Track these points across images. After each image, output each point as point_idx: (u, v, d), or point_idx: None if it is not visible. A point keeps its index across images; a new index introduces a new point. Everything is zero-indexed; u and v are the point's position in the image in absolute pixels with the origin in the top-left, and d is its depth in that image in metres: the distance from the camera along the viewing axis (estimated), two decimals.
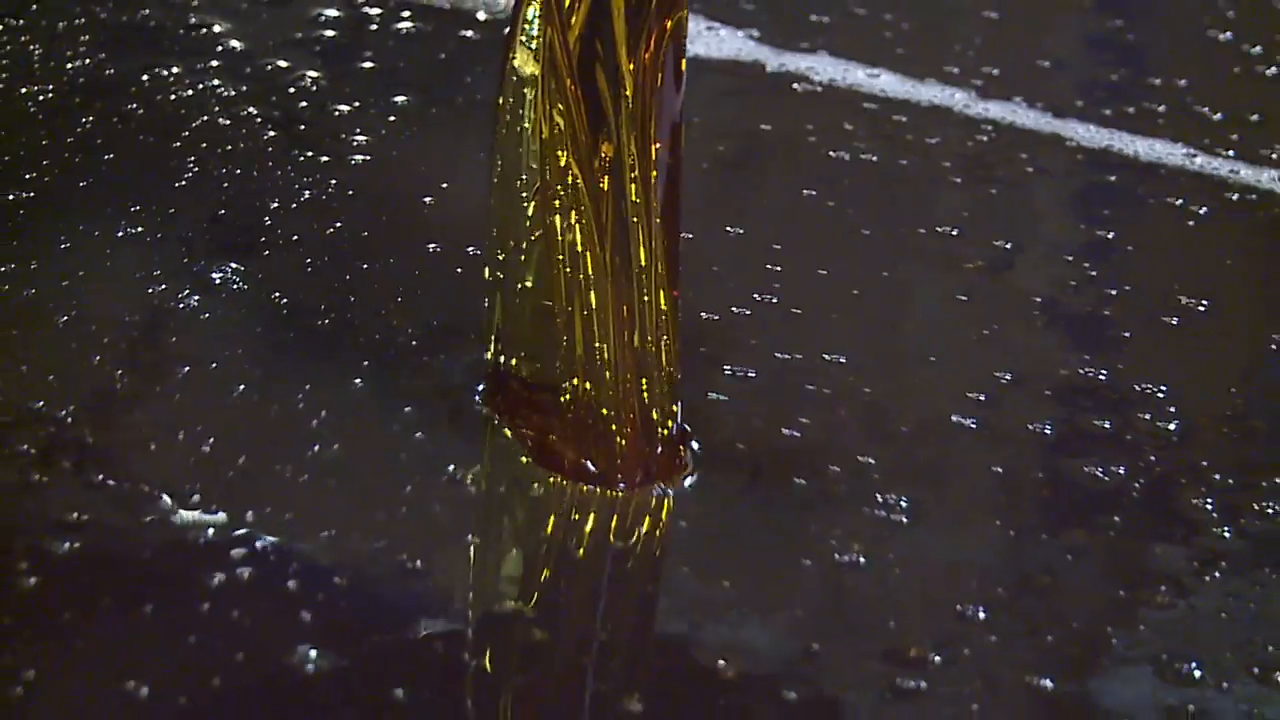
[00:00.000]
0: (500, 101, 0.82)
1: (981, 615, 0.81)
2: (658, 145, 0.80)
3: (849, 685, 0.77)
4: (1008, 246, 1.08)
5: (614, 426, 0.83)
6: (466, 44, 1.22)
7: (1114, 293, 1.05)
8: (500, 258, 0.85)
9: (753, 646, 0.78)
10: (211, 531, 0.78)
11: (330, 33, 1.18)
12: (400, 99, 1.12)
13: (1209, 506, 0.88)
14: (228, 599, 0.75)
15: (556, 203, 0.81)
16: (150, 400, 0.86)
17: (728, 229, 1.01)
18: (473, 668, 0.75)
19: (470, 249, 0.96)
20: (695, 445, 0.86)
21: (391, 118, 1.09)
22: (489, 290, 0.85)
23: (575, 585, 0.82)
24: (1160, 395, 0.96)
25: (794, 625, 0.80)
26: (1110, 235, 1.12)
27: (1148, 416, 0.94)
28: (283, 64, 1.14)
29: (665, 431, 0.85)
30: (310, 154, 1.04)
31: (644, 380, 0.84)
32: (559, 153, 0.80)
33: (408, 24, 1.22)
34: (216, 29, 1.17)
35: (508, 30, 0.80)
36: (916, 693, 0.77)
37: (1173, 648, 0.80)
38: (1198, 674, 0.79)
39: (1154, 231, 1.15)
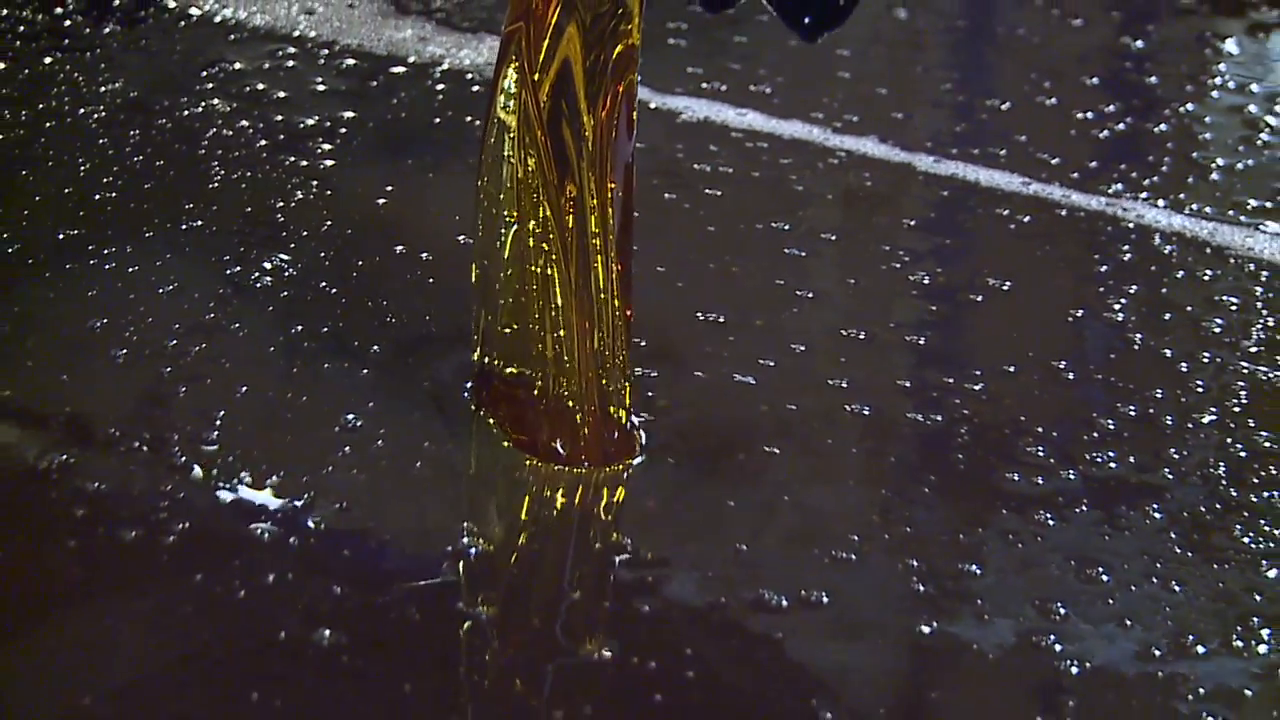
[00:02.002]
0: (483, 149, 0.86)
1: (887, 513, 0.86)
2: (613, 185, 0.84)
3: (794, 563, 0.83)
4: (832, 238, 1.14)
5: (578, 416, 0.87)
6: (396, 77, 1.32)
7: (923, 275, 1.10)
8: (484, 277, 0.88)
9: (697, 566, 0.83)
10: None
11: (291, 63, 1.30)
12: (347, 113, 1.22)
13: (1042, 453, 0.92)
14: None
15: (530, 233, 0.85)
16: (264, 345, 0.95)
17: None
18: (460, 614, 0.79)
19: (424, 254, 1.05)
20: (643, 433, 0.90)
21: (343, 129, 1.20)
22: (474, 304, 0.89)
23: (548, 545, 0.86)
24: (962, 359, 1.00)
25: (733, 536, 0.85)
26: (931, 233, 1.17)
27: (950, 379, 0.98)
28: (260, 86, 1.25)
29: (621, 420, 0.89)
30: (292, 159, 1.15)
31: (603, 378, 0.87)
32: (532, 191, 0.84)
33: (350, 60, 1.33)
34: (202, 56, 1.29)
35: (489, 91, 0.84)
36: (850, 562, 0.83)
37: (1076, 555, 0.85)
38: (1106, 578, 0.84)
39: (973, 233, 1.19)
